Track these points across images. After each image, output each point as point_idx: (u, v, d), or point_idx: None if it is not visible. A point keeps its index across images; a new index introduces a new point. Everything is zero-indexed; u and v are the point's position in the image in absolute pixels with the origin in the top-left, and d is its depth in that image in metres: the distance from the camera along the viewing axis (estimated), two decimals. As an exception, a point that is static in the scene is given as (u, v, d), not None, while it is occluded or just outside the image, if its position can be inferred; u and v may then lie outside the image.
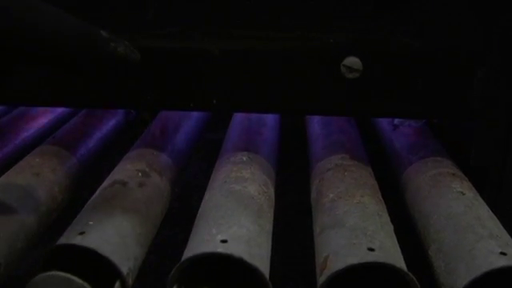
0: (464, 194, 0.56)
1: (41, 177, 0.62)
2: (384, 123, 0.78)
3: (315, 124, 0.74)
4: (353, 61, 0.57)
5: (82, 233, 0.49)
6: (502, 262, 0.45)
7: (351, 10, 0.58)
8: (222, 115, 0.88)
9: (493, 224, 0.51)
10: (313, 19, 0.59)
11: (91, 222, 0.51)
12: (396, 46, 0.58)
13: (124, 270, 0.48)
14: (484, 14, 0.57)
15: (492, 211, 0.55)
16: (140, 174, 0.60)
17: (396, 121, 0.73)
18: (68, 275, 0.45)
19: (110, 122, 0.82)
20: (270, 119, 0.76)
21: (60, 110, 0.90)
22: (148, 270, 0.74)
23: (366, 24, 0.58)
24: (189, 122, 0.77)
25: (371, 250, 0.46)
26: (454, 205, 0.54)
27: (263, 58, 0.60)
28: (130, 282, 0.49)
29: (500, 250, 0.46)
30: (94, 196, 0.57)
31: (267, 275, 0.47)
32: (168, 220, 0.67)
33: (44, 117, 0.87)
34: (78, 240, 0.48)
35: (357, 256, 0.45)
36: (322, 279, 0.46)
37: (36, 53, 0.44)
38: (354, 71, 0.57)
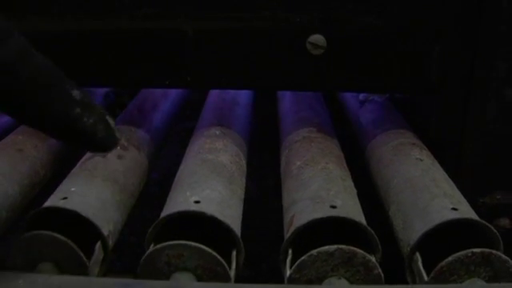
0: (422, 160, 0.60)
1: (24, 152, 0.64)
2: (351, 102, 0.82)
3: (286, 102, 0.78)
4: (317, 38, 0.61)
5: (64, 198, 0.52)
6: (452, 216, 0.49)
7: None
8: (197, 103, 0.91)
9: (447, 185, 0.55)
10: (280, 0, 0.62)
11: (73, 189, 0.54)
12: (358, 24, 0.62)
13: (105, 231, 0.51)
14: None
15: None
16: (119, 148, 0.63)
17: (361, 96, 0.77)
18: (53, 233, 0.48)
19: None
20: (243, 98, 0.80)
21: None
22: (128, 250, 0.78)
23: (329, 4, 0.62)
24: (165, 102, 0.81)
25: (333, 207, 0.50)
26: (412, 169, 0.58)
27: (234, 38, 0.63)
28: (110, 243, 0.52)
29: (452, 206, 0.50)
30: (75, 167, 0.60)
31: (239, 234, 0.50)
32: (147, 203, 0.70)
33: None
34: (61, 203, 0.51)
35: (320, 212, 0.49)
36: (287, 235, 0.49)
37: None
38: (319, 47, 0.61)
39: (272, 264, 0.75)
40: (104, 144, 0.39)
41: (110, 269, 0.55)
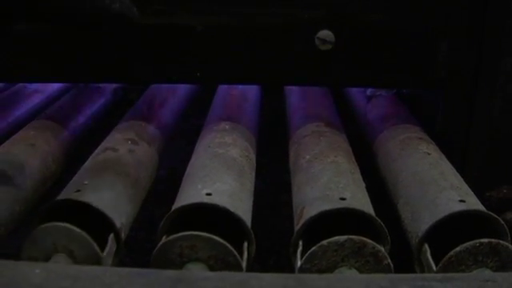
0: (430, 154, 0.61)
1: (36, 147, 0.65)
2: (358, 98, 0.83)
3: (294, 98, 0.79)
4: (326, 33, 0.62)
5: (78, 191, 0.53)
6: (460, 207, 0.49)
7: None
8: (206, 97, 0.92)
9: (454, 178, 0.56)
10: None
11: (86, 182, 0.54)
12: (366, 20, 0.63)
13: (117, 223, 0.52)
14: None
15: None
16: (129, 142, 0.64)
17: (368, 91, 0.77)
18: (67, 225, 0.48)
19: (100, 100, 0.86)
20: (251, 95, 0.80)
21: (51, 91, 0.93)
22: (138, 246, 0.78)
23: (338, 0, 0.62)
24: (174, 98, 0.81)
25: (343, 199, 0.50)
26: (420, 163, 0.59)
27: (243, 33, 0.64)
28: (122, 235, 0.53)
29: (459, 198, 0.51)
30: (87, 161, 0.61)
31: (249, 225, 0.51)
32: (156, 199, 0.71)
33: (35, 96, 0.90)
34: (75, 196, 0.51)
35: (329, 204, 0.49)
36: (298, 227, 0.50)
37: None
38: (327, 43, 0.62)
39: (279, 260, 0.76)
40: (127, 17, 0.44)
41: (120, 264, 0.56)
